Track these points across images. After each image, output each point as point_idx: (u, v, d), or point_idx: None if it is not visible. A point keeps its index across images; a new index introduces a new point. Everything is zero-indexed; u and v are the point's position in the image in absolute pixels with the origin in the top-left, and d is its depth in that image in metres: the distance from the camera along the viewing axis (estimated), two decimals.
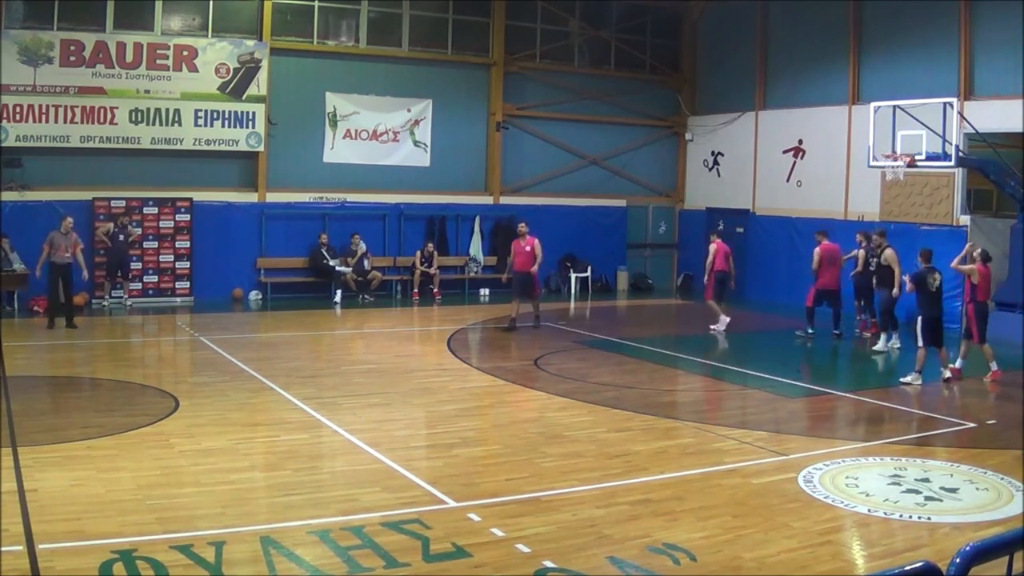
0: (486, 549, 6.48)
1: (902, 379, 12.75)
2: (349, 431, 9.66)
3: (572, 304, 22.09)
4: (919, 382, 12.56)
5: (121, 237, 18.43)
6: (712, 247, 17.70)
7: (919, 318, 12.84)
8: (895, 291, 15.20)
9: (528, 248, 16.86)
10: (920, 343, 12.70)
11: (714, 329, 17.26)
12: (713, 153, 24.48)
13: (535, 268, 16.93)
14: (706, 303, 17.92)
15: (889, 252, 15.60)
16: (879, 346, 15.50)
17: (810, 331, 16.71)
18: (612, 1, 24.05)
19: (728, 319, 17.34)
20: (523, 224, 17.50)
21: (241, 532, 6.65)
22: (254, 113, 20.04)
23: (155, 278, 19.35)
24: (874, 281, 15.92)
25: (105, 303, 18.50)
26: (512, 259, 17.21)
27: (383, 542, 6.51)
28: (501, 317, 17.81)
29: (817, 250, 16.96)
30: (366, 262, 20.79)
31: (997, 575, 3.09)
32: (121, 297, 18.70)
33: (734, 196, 23.57)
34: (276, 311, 19.30)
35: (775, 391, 12.26)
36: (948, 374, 12.80)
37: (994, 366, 13.03)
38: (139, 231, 19.00)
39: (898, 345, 15.39)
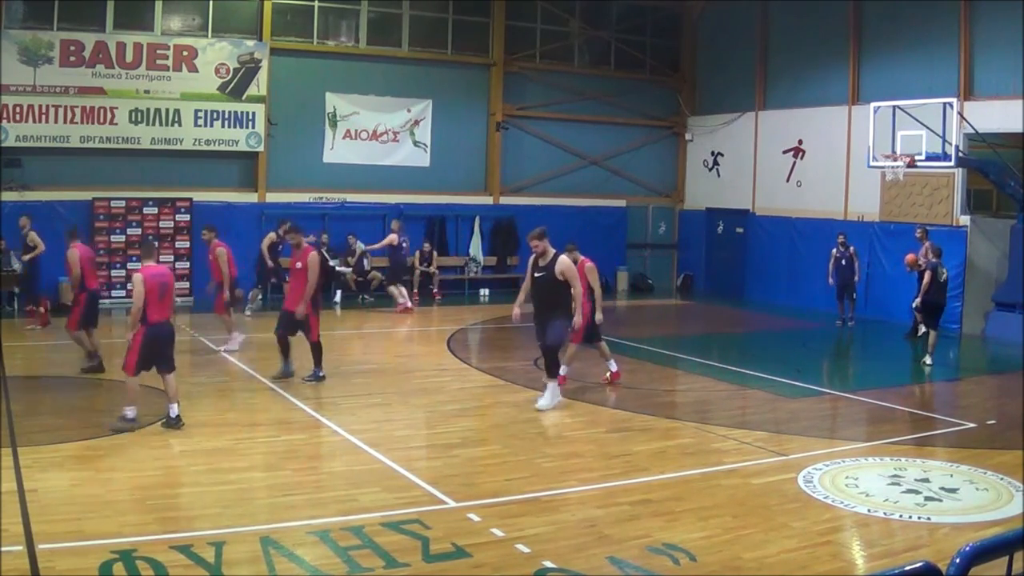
0: (486, 549, 6.47)
1: (924, 361, 14.17)
2: (349, 431, 9.66)
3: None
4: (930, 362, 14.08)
5: (280, 247, 18.07)
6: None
7: (920, 303, 14.33)
8: (576, 319, 10.75)
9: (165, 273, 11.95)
10: (924, 327, 14.67)
11: (226, 349, 14.33)
12: (713, 153, 24.47)
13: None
14: (223, 317, 14.65)
15: (564, 261, 10.59)
16: (541, 403, 10.69)
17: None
18: (612, 1, 24.07)
19: (241, 336, 14.62)
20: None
21: (241, 532, 6.65)
22: (254, 113, 20.04)
23: None
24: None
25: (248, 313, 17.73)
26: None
27: (383, 542, 6.51)
28: (501, 318, 17.78)
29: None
30: (366, 262, 20.77)
31: (997, 575, 3.09)
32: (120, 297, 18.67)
33: (734, 196, 23.56)
34: (276, 311, 19.20)
35: (775, 391, 12.26)
36: (608, 375, 12.21)
37: (612, 366, 12.27)
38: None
39: (550, 404, 10.69)
